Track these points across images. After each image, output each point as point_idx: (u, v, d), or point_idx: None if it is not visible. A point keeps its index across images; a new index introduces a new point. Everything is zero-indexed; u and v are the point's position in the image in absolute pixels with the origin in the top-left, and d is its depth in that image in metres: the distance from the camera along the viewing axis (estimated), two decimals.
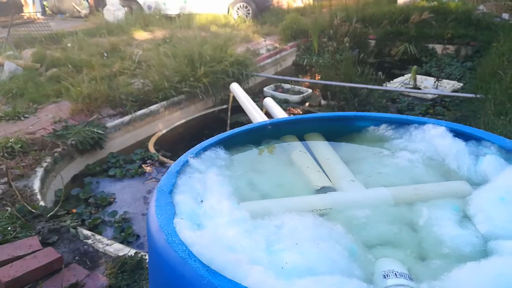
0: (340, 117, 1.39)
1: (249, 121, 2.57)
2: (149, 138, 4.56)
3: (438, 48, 7.55)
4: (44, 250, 2.16)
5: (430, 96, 5.43)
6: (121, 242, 2.64)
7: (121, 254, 2.25)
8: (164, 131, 4.80)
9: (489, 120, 3.55)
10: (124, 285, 2.03)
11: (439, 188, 1.04)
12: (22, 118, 4.34)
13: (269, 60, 7.08)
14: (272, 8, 10.77)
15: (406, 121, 1.29)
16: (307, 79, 6.92)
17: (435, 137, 1.18)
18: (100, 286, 2.01)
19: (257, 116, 2.50)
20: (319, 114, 1.44)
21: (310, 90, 5.81)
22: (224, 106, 5.10)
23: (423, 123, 1.24)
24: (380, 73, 5.49)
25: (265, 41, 7.94)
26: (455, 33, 7.46)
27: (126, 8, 10.42)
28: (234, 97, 3.40)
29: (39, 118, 4.35)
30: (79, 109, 4.40)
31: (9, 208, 2.61)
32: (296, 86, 5.97)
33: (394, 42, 7.73)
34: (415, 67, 5.94)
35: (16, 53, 6.42)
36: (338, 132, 1.35)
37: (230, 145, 1.21)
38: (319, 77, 6.02)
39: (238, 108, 3.13)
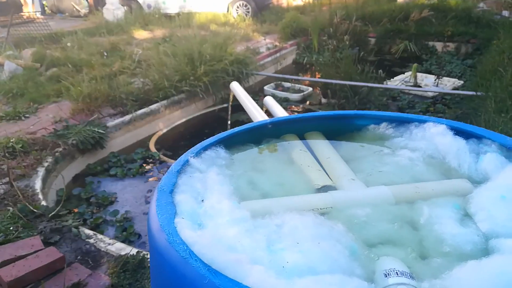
0: (341, 116, 1.39)
1: (249, 120, 2.56)
2: (149, 137, 4.57)
3: (438, 45, 7.54)
4: (46, 250, 2.17)
5: (430, 94, 5.42)
6: (123, 241, 2.65)
7: (123, 253, 2.26)
8: (164, 130, 4.80)
9: (489, 117, 3.55)
10: (126, 284, 2.04)
11: (439, 187, 1.04)
12: (23, 118, 4.34)
13: (269, 59, 7.06)
14: (272, 7, 10.74)
15: (406, 119, 1.28)
16: (307, 78, 6.91)
17: (436, 135, 1.18)
18: (103, 285, 2.02)
19: (257, 115, 2.49)
20: (320, 112, 1.43)
21: (310, 89, 5.80)
22: (225, 105, 5.09)
23: (424, 121, 1.24)
24: (380, 71, 5.47)
25: (265, 39, 7.92)
26: (455, 30, 7.45)
27: (125, 7, 10.41)
28: (234, 96, 3.39)
29: (40, 118, 4.35)
30: (80, 109, 4.40)
31: (11, 208, 2.62)
32: (297, 85, 5.96)
33: (394, 40, 7.71)
34: (415, 65, 5.92)
35: (16, 52, 6.42)
36: (339, 130, 1.34)
37: (231, 144, 1.20)
38: (319, 76, 6.02)
39: (238, 107, 3.12)
